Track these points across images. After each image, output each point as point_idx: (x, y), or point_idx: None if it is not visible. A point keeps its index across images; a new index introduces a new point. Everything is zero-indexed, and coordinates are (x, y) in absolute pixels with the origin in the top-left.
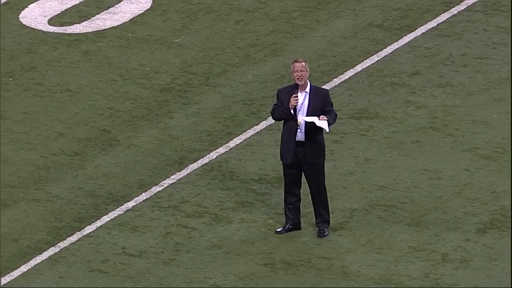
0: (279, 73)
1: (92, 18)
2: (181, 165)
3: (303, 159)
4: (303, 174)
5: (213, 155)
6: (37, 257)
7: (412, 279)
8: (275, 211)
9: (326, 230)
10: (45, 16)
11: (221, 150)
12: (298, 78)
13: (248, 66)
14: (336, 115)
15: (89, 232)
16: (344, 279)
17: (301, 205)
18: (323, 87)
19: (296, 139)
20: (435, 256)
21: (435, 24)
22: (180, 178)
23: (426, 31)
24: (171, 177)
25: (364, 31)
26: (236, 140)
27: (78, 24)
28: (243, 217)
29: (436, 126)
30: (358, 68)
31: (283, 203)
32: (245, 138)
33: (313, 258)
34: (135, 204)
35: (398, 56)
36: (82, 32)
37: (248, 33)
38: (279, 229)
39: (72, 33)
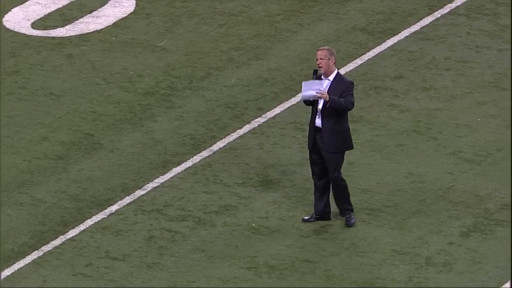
0: (262, 76)
1: (76, 21)
2: (165, 168)
3: (321, 146)
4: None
5: (196, 158)
6: (20, 261)
7: (396, 282)
8: (258, 214)
9: (352, 217)
10: (28, 19)
11: (205, 153)
12: (318, 65)
13: (231, 70)
14: (351, 102)
15: (73, 236)
16: (327, 282)
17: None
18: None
19: (316, 125)
20: (418, 259)
21: (418, 28)
22: (164, 182)
23: (409, 35)
24: (155, 180)
25: (348, 34)
26: (220, 144)
27: (61, 28)
28: (227, 221)
29: (420, 129)
30: (342, 71)
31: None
32: (228, 142)
33: (296, 262)
34: (118, 207)
35: (381, 60)
36: (66, 35)
37: (231, 36)
38: (306, 217)
39: (56, 37)
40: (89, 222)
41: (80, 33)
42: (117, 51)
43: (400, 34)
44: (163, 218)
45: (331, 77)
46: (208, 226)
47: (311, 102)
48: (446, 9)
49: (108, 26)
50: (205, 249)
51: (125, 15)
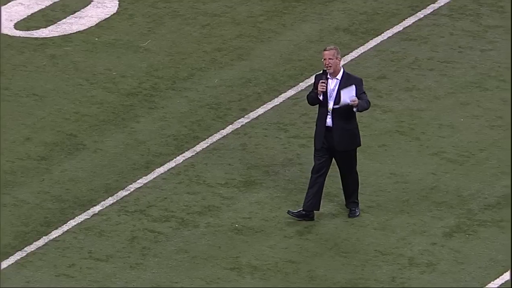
0: (245, 77)
1: (58, 22)
2: (148, 169)
3: (332, 145)
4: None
5: (179, 159)
6: (3, 262)
7: (379, 283)
8: (241, 215)
9: (356, 210)
10: (11, 20)
11: (188, 154)
12: (326, 66)
13: (214, 70)
14: (369, 101)
15: (56, 237)
16: (310, 283)
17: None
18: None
19: (326, 125)
20: (401, 260)
21: (401, 28)
22: (147, 182)
23: (392, 35)
24: (138, 181)
25: (331, 35)
26: (203, 144)
27: (44, 29)
28: (210, 221)
29: (403, 130)
30: None
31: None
32: (211, 142)
33: (279, 262)
34: (101, 208)
35: (364, 60)
36: (49, 36)
37: (214, 37)
38: (294, 211)
39: (39, 38)
40: (72, 223)
41: (63, 33)
42: (100, 52)
43: (383, 34)
44: (146, 219)
45: (339, 76)
46: (191, 227)
47: (318, 102)
48: (429, 10)
49: (91, 26)
50: (188, 250)
51: (108, 16)
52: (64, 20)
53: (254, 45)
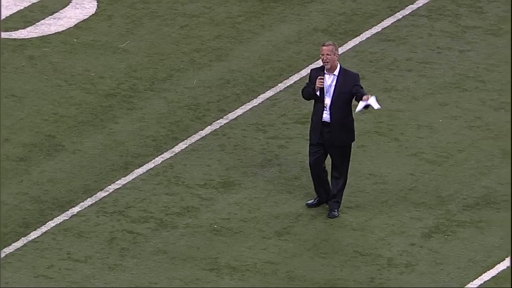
0: (224, 78)
1: (37, 23)
2: (126, 170)
3: (329, 140)
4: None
5: (158, 160)
6: None
7: (358, 283)
8: (220, 216)
9: (336, 212)
10: None
11: (166, 155)
12: (324, 62)
13: (193, 71)
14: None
15: (34, 238)
16: (289, 283)
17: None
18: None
19: (323, 120)
20: (380, 260)
21: (380, 29)
22: (125, 183)
23: (371, 36)
24: (116, 182)
25: (309, 35)
26: (181, 145)
27: (22, 30)
28: (189, 222)
29: (381, 130)
30: (303, 73)
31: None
32: (190, 143)
33: (258, 263)
34: (80, 209)
35: (343, 61)
36: (27, 37)
37: (193, 38)
38: (310, 201)
39: (17, 39)
40: (50, 224)
41: (41, 34)
42: (78, 53)
43: (361, 35)
44: (125, 220)
45: (336, 72)
46: (170, 228)
47: (314, 97)
48: (407, 10)
49: (70, 27)
50: (167, 251)
51: (86, 17)
52: (42, 21)
53: (233, 46)
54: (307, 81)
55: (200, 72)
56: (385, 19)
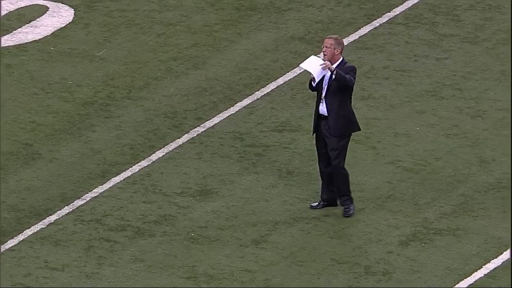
0: (201, 86)
1: (14, 31)
2: (104, 178)
3: (325, 132)
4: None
5: (135, 168)
6: None
7: None
8: (197, 224)
9: (350, 208)
10: None
11: (144, 163)
12: (323, 53)
13: (170, 79)
14: (353, 79)
15: (11, 246)
16: None
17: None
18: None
19: (320, 112)
20: (357, 268)
21: (357, 37)
22: (103, 192)
23: (348, 44)
24: (94, 190)
25: (286, 44)
26: (159, 154)
27: None
28: (166, 230)
29: (358, 138)
30: (280, 81)
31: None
32: (167, 152)
33: (236, 271)
34: (57, 217)
35: None
36: (4, 45)
37: (170, 46)
38: (314, 204)
39: None
40: (28, 232)
41: (18, 43)
42: (55, 61)
43: None
44: (102, 228)
45: (335, 65)
46: (147, 236)
47: (312, 88)
48: (384, 18)
49: (47, 36)
50: (144, 259)
51: (63, 25)
52: (19, 29)
53: (210, 54)
54: (283, 89)
55: (177, 80)
56: (362, 27)
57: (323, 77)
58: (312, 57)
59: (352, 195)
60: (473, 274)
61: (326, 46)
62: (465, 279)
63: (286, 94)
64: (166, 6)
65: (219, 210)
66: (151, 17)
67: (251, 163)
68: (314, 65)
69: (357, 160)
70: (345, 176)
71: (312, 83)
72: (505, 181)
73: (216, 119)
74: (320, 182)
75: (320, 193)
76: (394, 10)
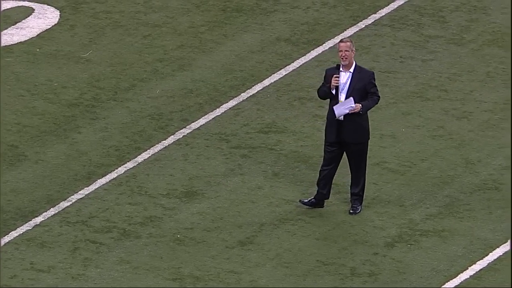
0: (187, 87)
1: None
2: (89, 180)
3: (344, 139)
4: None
5: (121, 170)
6: None
7: None
8: (183, 225)
9: (358, 207)
10: None
11: (129, 165)
12: (342, 58)
13: (156, 81)
14: (378, 98)
15: None
16: None
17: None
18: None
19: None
20: (343, 270)
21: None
22: (88, 193)
23: (333, 45)
24: (79, 192)
25: (272, 45)
26: (144, 155)
27: None
28: (152, 232)
29: None
30: (266, 82)
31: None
32: (153, 153)
33: (221, 273)
34: (43, 219)
35: (305, 70)
36: None
37: (155, 47)
38: (305, 200)
39: None
40: (13, 234)
41: (4, 44)
42: (41, 63)
43: (324, 45)
44: (88, 230)
45: (352, 69)
46: (133, 238)
47: (330, 96)
48: (370, 20)
49: (32, 37)
50: (130, 261)
51: (49, 27)
52: (5, 31)
53: (196, 56)
54: (269, 90)
55: (163, 81)
56: (347, 28)
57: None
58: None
59: (338, 196)
60: (459, 275)
61: (345, 51)
62: (450, 280)
63: (271, 95)
64: (152, 8)
65: (205, 211)
66: (137, 18)
67: (237, 164)
68: (342, 107)
69: (343, 162)
70: (363, 177)
71: (333, 91)
72: (491, 182)
73: (202, 121)
74: (304, 184)
75: (316, 192)
76: (379, 11)
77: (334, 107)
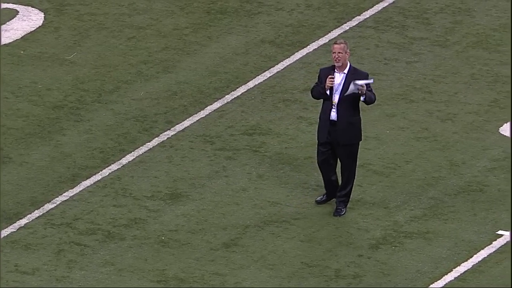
0: (171, 89)
1: None
2: (74, 182)
3: (336, 139)
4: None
5: (105, 172)
6: None
7: None
8: (168, 227)
9: (343, 209)
10: None
11: (114, 167)
12: (335, 60)
13: (140, 83)
14: (375, 95)
15: None
16: None
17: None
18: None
19: (330, 118)
20: (328, 272)
21: (327, 40)
22: (73, 195)
23: (318, 47)
24: (64, 194)
25: (256, 47)
26: (129, 157)
27: None
28: (136, 234)
29: None
30: (251, 84)
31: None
32: (137, 155)
33: (206, 275)
34: (27, 221)
35: (290, 72)
36: None
37: (140, 49)
38: (318, 198)
39: None
40: None
41: None
42: (25, 65)
43: (308, 46)
44: (73, 232)
45: (346, 70)
46: (117, 240)
47: (323, 96)
48: (354, 22)
49: (17, 39)
50: (115, 263)
51: (33, 29)
52: None
53: (180, 58)
54: (254, 92)
55: (147, 83)
56: (332, 30)
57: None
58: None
59: (323, 198)
60: (443, 277)
61: (338, 52)
62: (435, 282)
63: (256, 97)
64: (136, 10)
65: (190, 213)
66: (121, 20)
67: (221, 166)
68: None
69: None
70: (352, 180)
71: (327, 92)
72: (475, 184)
73: (186, 123)
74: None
75: (324, 186)
76: (364, 13)
77: (353, 82)
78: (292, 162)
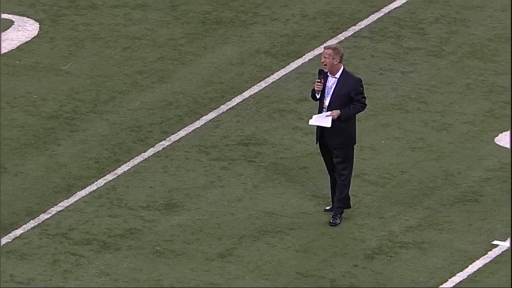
0: (166, 100)
1: None
2: (69, 192)
3: (326, 143)
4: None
5: (101, 182)
6: None
7: None
8: (163, 238)
9: (338, 219)
10: None
11: (109, 177)
12: (323, 63)
13: (135, 93)
14: (362, 105)
15: None
16: None
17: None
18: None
19: None
20: (323, 282)
21: (322, 50)
22: (68, 206)
23: (313, 57)
24: (59, 204)
25: (252, 57)
26: (124, 167)
27: None
28: (131, 244)
29: None
30: (246, 94)
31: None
32: (133, 165)
33: (201, 285)
34: (23, 231)
35: (285, 83)
36: None
37: (135, 60)
38: (328, 207)
39: None
40: None
41: None
42: (21, 75)
43: (304, 57)
44: (68, 242)
45: (338, 75)
46: (112, 250)
47: (318, 98)
48: (349, 32)
49: (12, 50)
50: (110, 273)
51: (28, 39)
52: None
53: (175, 68)
54: (249, 102)
55: (142, 94)
56: (327, 40)
57: (325, 87)
58: (316, 116)
59: (318, 208)
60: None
61: (324, 57)
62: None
63: (251, 107)
64: (131, 20)
65: (185, 223)
66: (116, 31)
67: (216, 176)
68: (320, 118)
69: (322, 174)
70: (347, 187)
71: (316, 95)
72: (470, 194)
73: (181, 133)
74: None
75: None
76: (359, 23)
77: (313, 117)
78: (288, 172)
